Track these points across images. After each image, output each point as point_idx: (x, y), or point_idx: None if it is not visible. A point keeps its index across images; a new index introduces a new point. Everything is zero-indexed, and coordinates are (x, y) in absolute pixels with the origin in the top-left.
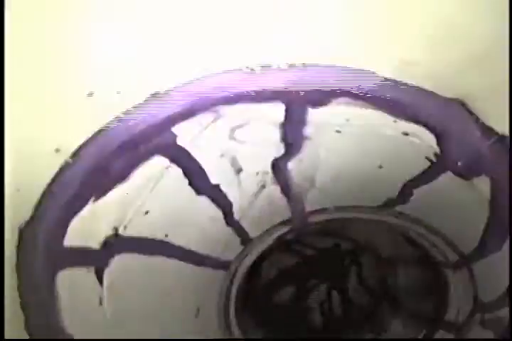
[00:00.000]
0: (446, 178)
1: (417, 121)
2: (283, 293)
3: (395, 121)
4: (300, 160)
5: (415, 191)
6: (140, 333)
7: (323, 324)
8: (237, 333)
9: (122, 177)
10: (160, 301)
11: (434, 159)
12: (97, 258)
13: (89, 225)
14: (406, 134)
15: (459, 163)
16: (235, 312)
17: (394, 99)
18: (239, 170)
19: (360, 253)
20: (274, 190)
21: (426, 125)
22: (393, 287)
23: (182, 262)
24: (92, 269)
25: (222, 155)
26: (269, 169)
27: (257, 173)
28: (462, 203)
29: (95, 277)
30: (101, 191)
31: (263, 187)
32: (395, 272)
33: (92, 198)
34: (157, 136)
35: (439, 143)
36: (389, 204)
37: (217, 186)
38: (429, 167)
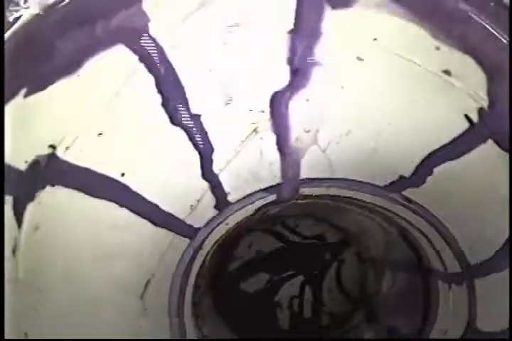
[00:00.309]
0: (482, 154)
1: (466, 51)
2: (254, 280)
3: (437, 48)
4: (306, 100)
5: (436, 170)
6: (61, 311)
7: (290, 323)
8: (189, 321)
9: (68, 66)
10: (97, 264)
11: (475, 118)
12: (19, 184)
13: (17, 133)
14: (447, 72)
15: None
16: (192, 294)
17: (446, 10)
18: (229, 100)
19: (345, 248)
20: (267, 138)
21: (476, 58)
22: (373, 294)
23: (136, 216)
24: (10, 201)
25: (210, 70)
26: (265, 107)
27: (251, 110)
28: (492, 197)
29: (12, 213)
30: (37, 82)
31: (255, 132)
32: (378, 277)
33: (24, 91)
34: (121, 9)
35: (490, 92)
36: (398, 184)
37: (198, 117)
38: (466, 131)
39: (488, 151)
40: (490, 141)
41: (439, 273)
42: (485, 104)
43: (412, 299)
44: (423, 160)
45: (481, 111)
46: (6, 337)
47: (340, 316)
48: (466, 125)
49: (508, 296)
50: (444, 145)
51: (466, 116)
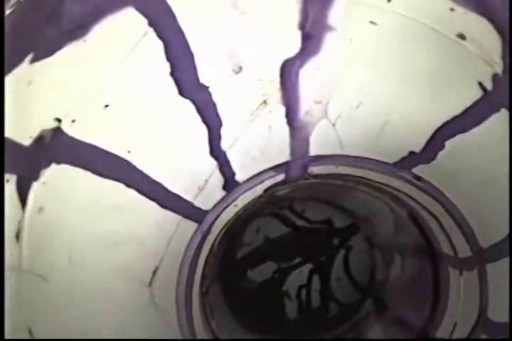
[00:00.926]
0: (495, 125)
1: (482, 12)
2: (262, 268)
3: (452, 10)
4: (316, 68)
5: (447, 144)
6: (67, 300)
7: (298, 314)
8: (197, 312)
9: (76, 30)
10: (103, 250)
11: (489, 86)
12: (23, 162)
13: (21, 105)
14: (461, 36)
15: None
16: (200, 283)
17: None
18: (239, 69)
19: (354, 233)
20: (276, 111)
21: (492, 20)
22: (382, 282)
23: (143, 197)
24: (14, 180)
25: (220, 36)
26: (275, 76)
27: (260, 80)
28: (504, 173)
29: (16, 194)
30: (44, 47)
31: (264, 103)
32: (387, 264)
33: (30, 56)
34: None
35: (504, 56)
36: (409, 161)
37: (207, 88)
38: (480, 99)
39: (501, 121)
40: (503, 110)
41: (449, 258)
42: (499, 69)
43: (422, 287)
44: (434, 133)
45: (495, 77)
46: (9, 332)
47: (349, 306)
48: (479, 93)
49: None
50: (457, 116)
51: (480, 84)
